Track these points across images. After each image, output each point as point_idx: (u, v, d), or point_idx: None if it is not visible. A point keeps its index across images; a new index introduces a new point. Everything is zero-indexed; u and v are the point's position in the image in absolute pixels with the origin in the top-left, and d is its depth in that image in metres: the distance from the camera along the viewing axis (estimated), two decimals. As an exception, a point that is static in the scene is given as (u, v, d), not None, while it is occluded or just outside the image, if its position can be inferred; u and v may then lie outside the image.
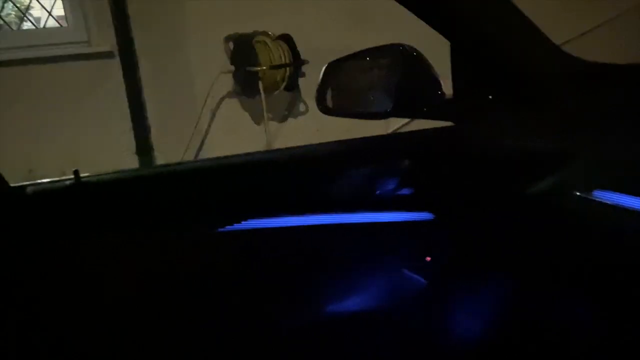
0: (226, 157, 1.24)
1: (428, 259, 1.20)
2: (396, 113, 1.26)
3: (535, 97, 1.14)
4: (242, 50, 3.00)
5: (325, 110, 1.35)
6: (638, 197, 0.91)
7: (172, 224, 1.12)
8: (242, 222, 1.12)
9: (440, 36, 1.15)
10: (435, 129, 1.29)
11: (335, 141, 1.29)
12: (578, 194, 1.00)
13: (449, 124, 1.25)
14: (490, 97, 1.20)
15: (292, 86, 3.07)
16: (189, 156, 3.13)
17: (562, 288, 1.07)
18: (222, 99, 3.19)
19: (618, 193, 0.94)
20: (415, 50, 1.22)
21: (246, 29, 3.05)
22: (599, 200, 0.96)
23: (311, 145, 1.30)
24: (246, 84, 3.05)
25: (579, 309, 1.05)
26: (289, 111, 3.29)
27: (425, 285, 1.21)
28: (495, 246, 1.14)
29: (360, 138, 1.29)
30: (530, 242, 1.08)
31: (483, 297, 1.20)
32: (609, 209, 0.95)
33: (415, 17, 1.12)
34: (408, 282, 1.23)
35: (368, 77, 1.33)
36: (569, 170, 1.03)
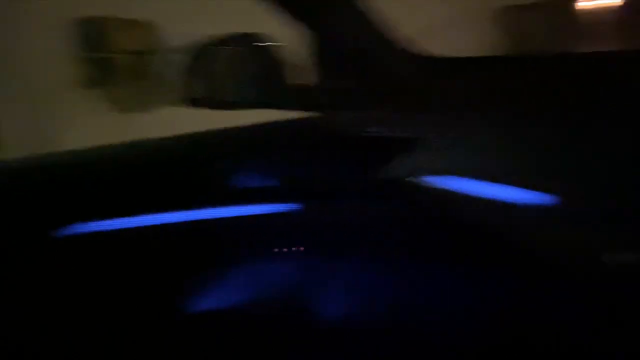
0: (68, 151, 1.13)
1: (297, 248, 1.20)
2: (260, 103, 1.23)
3: (390, 88, 1.19)
4: (93, 36, 2.75)
5: (187, 101, 1.27)
6: (481, 182, 0.99)
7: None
8: (91, 221, 1.03)
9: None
10: (298, 119, 1.29)
11: (193, 132, 1.23)
12: (429, 179, 1.06)
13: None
14: (351, 87, 1.23)
15: (150, 74, 2.89)
16: (35, 150, 2.82)
17: (419, 269, 1.14)
18: (71, 87, 2.91)
19: (463, 178, 1.02)
20: (274, 38, 1.21)
21: (98, 12, 2.80)
22: (447, 185, 1.04)
23: (169, 136, 1.23)
24: (98, 72, 2.81)
25: (434, 290, 1.13)
26: (146, 101, 3.09)
27: (295, 274, 1.21)
28: (358, 231, 1.18)
29: (221, 128, 1.24)
30: (387, 226, 1.13)
31: (351, 280, 1.23)
32: (456, 194, 1.02)
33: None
34: (276, 273, 1.21)
35: (229, 66, 1.28)
36: (420, 156, 1.09)
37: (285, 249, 1.20)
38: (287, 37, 1.19)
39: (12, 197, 1.11)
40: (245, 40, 1.22)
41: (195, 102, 1.23)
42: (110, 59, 2.73)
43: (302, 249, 1.18)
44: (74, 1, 2.77)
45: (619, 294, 0.79)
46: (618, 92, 0.91)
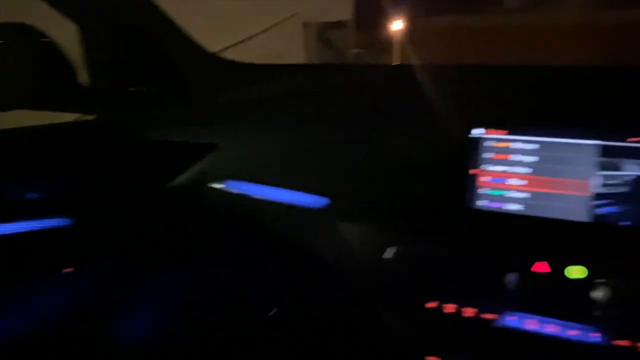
0: None
1: (69, 270, 1.07)
2: (22, 104, 1.07)
3: (180, 92, 1.14)
4: None
5: None
6: (267, 186, 0.99)
7: None
8: None
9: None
10: (72, 122, 1.16)
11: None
12: (219, 184, 1.04)
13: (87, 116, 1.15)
14: (132, 88, 1.15)
15: None
16: None
17: (209, 273, 1.11)
18: None
19: (251, 183, 1.02)
20: (42, 31, 1.06)
21: None
22: (236, 189, 1.02)
23: None
24: None
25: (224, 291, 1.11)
26: None
27: (75, 294, 1.08)
28: (142, 242, 1.10)
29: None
30: (175, 234, 1.08)
31: (136, 294, 1.14)
32: (245, 198, 1.01)
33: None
34: (54, 293, 1.07)
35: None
36: (211, 161, 1.06)
37: (54, 268, 1.07)
38: (63, 31, 1.07)
39: None
40: (8, 31, 1.06)
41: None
42: None
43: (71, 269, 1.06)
44: None
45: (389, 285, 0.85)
46: (392, 101, 0.98)
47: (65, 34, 1.07)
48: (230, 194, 1.02)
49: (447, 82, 0.89)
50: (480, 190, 0.82)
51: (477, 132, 0.82)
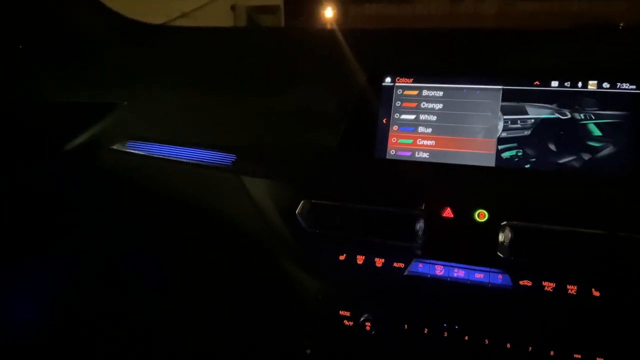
0: None
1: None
2: None
3: (76, 49, 1.05)
4: None
5: None
6: (167, 145, 0.93)
7: None
8: None
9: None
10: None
11: None
12: (117, 145, 0.96)
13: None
14: (20, 46, 1.05)
15: None
16: None
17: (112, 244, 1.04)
18: None
19: (151, 143, 0.95)
20: None
21: None
22: (136, 150, 0.95)
23: None
24: None
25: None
26: None
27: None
28: (39, 208, 1.01)
29: None
30: (73, 199, 1.00)
31: (35, 271, 1.05)
32: (145, 158, 0.94)
33: None
34: None
35: None
36: (108, 123, 0.99)
37: None
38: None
39: None
40: None
41: None
42: None
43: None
44: None
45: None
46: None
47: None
48: (133, 154, 0.95)
49: (358, 40, 0.87)
50: (391, 140, 0.80)
51: (387, 81, 0.81)
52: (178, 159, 0.91)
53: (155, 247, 1.06)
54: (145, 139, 0.95)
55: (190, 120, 0.94)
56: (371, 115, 0.81)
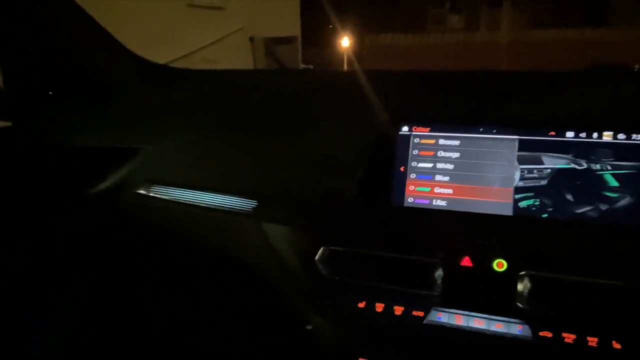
0: None
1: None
2: None
3: (101, 94, 1.09)
4: None
5: None
6: (190, 190, 0.96)
7: None
8: None
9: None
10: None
11: None
12: (141, 189, 0.99)
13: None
14: (50, 92, 1.09)
15: None
16: None
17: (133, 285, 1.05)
18: None
19: (174, 187, 0.98)
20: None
21: None
22: (159, 194, 0.98)
23: None
24: None
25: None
26: None
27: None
28: (65, 252, 1.04)
29: None
30: (99, 241, 1.03)
31: (54, 312, 1.07)
32: (169, 203, 0.97)
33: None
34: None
35: None
36: (133, 166, 1.02)
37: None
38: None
39: None
40: None
41: None
42: None
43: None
44: None
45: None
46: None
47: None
48: (156, 199, 0.97)
49: (375, 84, 0.89)
50: (409, 187, 0.81)
51: (404, 129, 0.82)
52: (200, 204, 0.93)
53: (174, 290, 1.07)
54: (169, 183, 0.98)
55: (212, 165, 0.97)
56: (388, 163, 0.83)
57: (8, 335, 1.03)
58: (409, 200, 0.81)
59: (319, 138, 0.90)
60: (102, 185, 1.03)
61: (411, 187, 0.81)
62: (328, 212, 0.84)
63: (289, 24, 4.72)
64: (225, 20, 4.06)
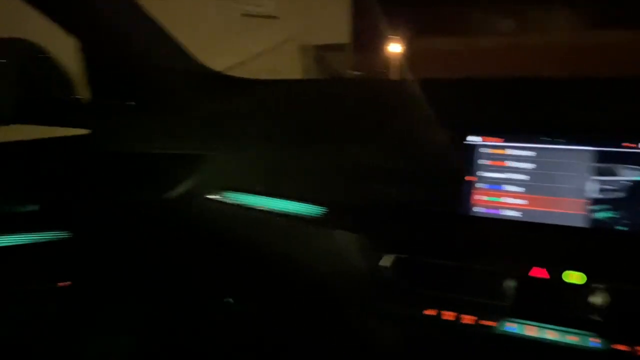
0: None
1: (63, 284, 1.06)
2: (19, 118, 1.08)
3: (173, 104, 1.14)
4: None
5: None
6: (259, 196, 0.99)
7: None
8: None
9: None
10: (69, 137, 1.17)
11: None
12: (212, 195, 1.04)
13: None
14: (128, 103, 1.16)
15: None
16: None
17: (204, 287, 1.10)
18: None
19: (244, 193, 1.02)
20: (40, 46, 1.07)
21: None
22: (230, 200, 1.02)
23: None
24: None
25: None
26: None
27: (64, 309, 1.07)
28: (137, 256, 1.10)
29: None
30: (170, 247, 1.08)
31: (128, 312, 1.13)
32: (238, 207, 1.01)
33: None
34: (40, 311, 1.06)
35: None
36: (205, 172, 1.06)
37: (49, 282, 1.06)
38: (59, 46, 1.08)
39: None
40: (2, 47, 1.07)
41: None
42: None
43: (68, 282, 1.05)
44: None
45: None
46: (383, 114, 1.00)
47: (62, 48, 1.09)
48: (227, 204, 1.02)
49: (443, 92, 0.90)
50: (476, 197, 0.82)
51: (472, 139, 0.83)
52: (270, 210, 0.97)
53: (240, 292, 1.11)
54: (238, 190, 1.02)
55: (281, 172, 1.00)
56: (455, 172, 0.84)
57: (87, 332, 1.09)
58: (477, 209, 0.81)
59: (385, 146, 0.91)
60: (175, 191, 1.08)
61: (479, 197, 0.82)
62: (395, 220, 0.85)
63: (340, 31, 4.75)
64: (277, 28, 4.13)
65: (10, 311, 1.04)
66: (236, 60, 3.68)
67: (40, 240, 1.03)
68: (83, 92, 1.12)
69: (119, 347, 1.14)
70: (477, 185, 0.82)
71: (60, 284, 1.05)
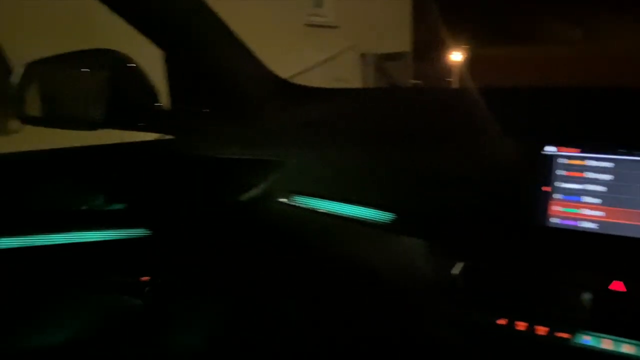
0: None
1: (145, 278, 1.13)
2: (109, 124, 1.16)
3: (246, 112, 1.20)
4: None
5: (25, 118, 1.17)
6: (329, 201, 1.02)
7: None
8: None
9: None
10: (151, 141, 1.25)
11: (35, 151, 1.14)
12: (284, 199, 1.08)
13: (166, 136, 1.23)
14: (206, 110, 1.22)
15: None
16: None
17: (276, 289, 1.14)
18: None
19: (313, 197, 1.05)
20: (127, 57, 1.16)
21: None
22: (301, 203, 1.06)
23: (6, 154, 1.12)
24: None
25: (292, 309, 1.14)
26: (-3, 128, 2.79)
27: (143, 305, 1.14)
28: (214, 257, 1.15)
29: (67, 148, 1.16)
30: (244, 248, 1.12)
31: (204, 309, 1.19)
32: (306, 211, 1.04)
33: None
34: (124, 303, 1.13)
35: (76, 83, 1.20)
36: (276, 177, 1.11)
37: (132, 277, 1.13)
38: (145, 56, 1.16)
39: None
40: (91, 58, 1.16)
41: (32, 119, 1.12)
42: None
43: (149, 277, 1.12)
44: None
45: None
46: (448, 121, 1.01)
47: (147, 58, 1.16)
48: (297, 207, 1.05)
49: (520, 101, 0.90)
50: (553, 208, 0.81)
51: (549, 149, 0.83)
52: (340, 214, 1.00)
53: (306, 294, 1.14)
54: (308, 194, 1.06)
55: (350, 178, 1.03)
56: (530, 183, 0.83)
57: (164, 326, 1.16)
58: (553, 220, 0.81)
59: (457, 155, 0.92)
60: (249, 194, 1.13)
61: (556, 208, 0.81)
62: (466, 228, 0.86)
63: (401, 40, 4.76)
64: (338, 38, 4.19)
65: (97, 300, 1.12)
66: (299, 68, 3.77)
67: (125, 237, 1.11)
68: (165, 100, 1.20)
69: (192, 343, 1.19)
70: (554, 196, 0.81)
71: (142, 278, 1.13)
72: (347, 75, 4.23)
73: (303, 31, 3.95)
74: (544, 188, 0.82)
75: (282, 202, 1.08)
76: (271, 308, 1.16)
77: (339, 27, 4.18)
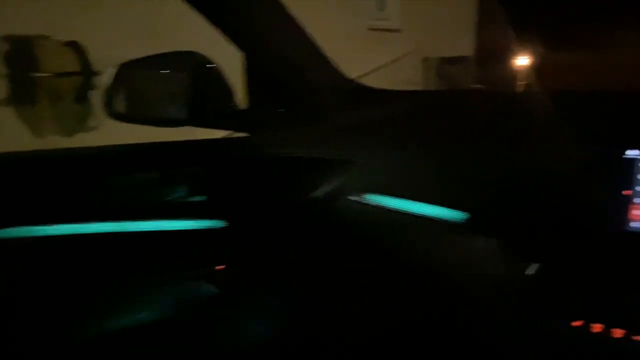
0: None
1: (220, 267, 1.20)
2: (190, 122, 1.24)
3: (319, 112, 1.24)
4: (21, 54, 2.65)
5: (114, 115, 1.26)
6: (400, 199, 1.05)
7: None
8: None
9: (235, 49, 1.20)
10: (229, 138, 1.31)
11: (123, 144, 1.22)
12: (353, 197, 1.11)
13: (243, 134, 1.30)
14: (281, 110, 1.27)
15: (82, 98, 2.80)
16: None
17: (342, 285, 1.17)
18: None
19: (384, 195, 1.08)
20: (208, 58, 1.23)
21: (27, 30, 2.70)
22: (370, 202, 1.09)
23: (97, 147, 1.21)
24: (25, 91, 2.68)
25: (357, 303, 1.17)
26: (78, 124, 2.98)
27: (218, 293, 1.20)
28: (285, 250, 1.20)
29: (152, 143, 1.24)
30: (314, 243, 1.17)
31: (274, 301, 1.24)
32: (377, 209, 1.07)
33: (212, 30, 1.15)
34: (200, 290, 1.20)
35: (161, 83, 1.28)
36: (346, 176, 1.14)
37: (207, 266, 1.20)
38: (224, 57, 1.22)
39: None
40: (176, 59, 1.24)
41: (119, 116, 1.21)
42: (37, 78, 2.62)
43: (223, 266, 1.18)
44: (1, 19, 2.68)
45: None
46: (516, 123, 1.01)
47: (227, 60, 1.23)
48: (369, 205, 1.08)
49: (601, 105, 0.89)
50: (634, 212, 0.80)
51: (631, 153, 0.82)
52: (411, 212, 1.02)
53: (371, 292, 1.17)
54: (379, 192, 1.08)
55: (421, 177, 1.05)
56: (608, 186, 0.83)
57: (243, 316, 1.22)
58: (634, 225, 0.80)
59: (531, 158, 0.92)
60: (319, 192, 1.17)
61: (637, 212, 0.80)
62: (543, 230, 0.86)
63: (463, 44, 4.70)
64: (401, 41, 4.19)
65: (176, 285, 1.19)
66: (363, 71, 3.79)
67: (203, 227, 1.18)
68: (242, 100, 1.26)
69: (261, 333, 1.25)
70: (635, 200, 0.81)
71: (218, 267, 1.19)
72: (409, 78, 4.22)
73: (367, 35, 3.98)
74: (625, 192, 0.81)
75: (353, 200, 1.11)
76: (339, 305, 1.19)
77: (401, 31, 4.18)
